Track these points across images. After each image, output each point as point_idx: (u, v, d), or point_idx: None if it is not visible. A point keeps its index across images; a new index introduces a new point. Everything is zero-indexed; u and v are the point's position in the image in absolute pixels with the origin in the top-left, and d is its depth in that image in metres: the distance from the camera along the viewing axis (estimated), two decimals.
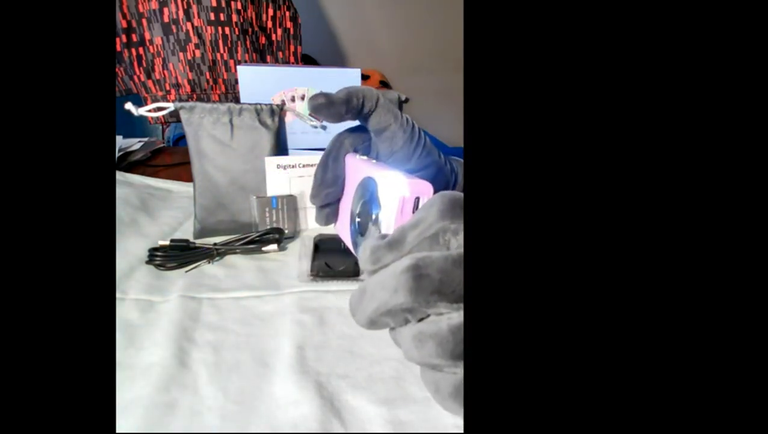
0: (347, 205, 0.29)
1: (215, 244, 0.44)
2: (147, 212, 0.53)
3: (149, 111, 0.44)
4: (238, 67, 0.50)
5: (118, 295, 0.38)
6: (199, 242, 0.45)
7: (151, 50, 0.84)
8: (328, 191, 0.30)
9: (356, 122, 0.31)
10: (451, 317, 0.18)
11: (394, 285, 0.18)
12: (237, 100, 0.51)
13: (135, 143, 0.76)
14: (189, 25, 0.82)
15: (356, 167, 0.29)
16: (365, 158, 0.29)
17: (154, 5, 0.81)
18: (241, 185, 0.48)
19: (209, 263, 0.43)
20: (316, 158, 0.44)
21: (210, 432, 0.27)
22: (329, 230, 0.33)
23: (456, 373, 0.19)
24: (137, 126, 0.97)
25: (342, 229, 0.29)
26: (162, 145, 0.81)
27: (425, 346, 0.18)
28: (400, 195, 0.22)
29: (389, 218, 0.22)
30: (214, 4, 0.83)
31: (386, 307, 0.19)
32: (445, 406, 0.19)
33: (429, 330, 0.18)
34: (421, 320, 0.19)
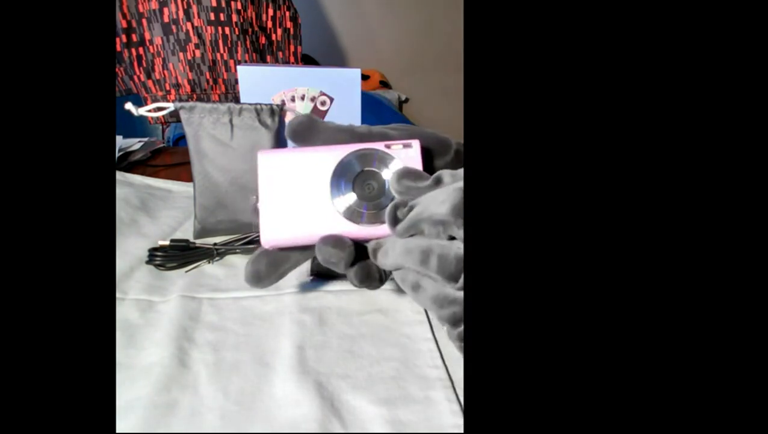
0: (298, 202, 0.27)
1: (215, 244, 0.44)
2: (147, 212, 0.53)
3: (149, 111, 0.44)
4: (238, 67, 0.50)
5: (118, 295, 0.38)
6: (199, 242, 0.45)
7: (151, 50, 0.84)
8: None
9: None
10: (460, 247, 0.22)
11: (443, 199, 0.22)
12: (237, 100, 0.51)
13: (135, 143, 0.75)
14: (189, 25, 0.82)
15: (293, 159, 0.27)
16: (289, 147, 0.28)
17: (154, 5, 0.81)
18: (241, 185, 0.48)
19: (209, 263, 0.43)
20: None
21: (210, 432, 0.27)
22: None
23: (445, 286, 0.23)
24: (137, 126, 0.97)
25: (307, 225, 0.27)
26: (162, 145, 0.81)
27: (430, 261, 0.23)
28: (417, 151, 0.26)
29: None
30: (214, 4, 0.83)
31: (428, 213, 0.22)
32: (425, 305, 0.25)
33: (438, 249, 0.23)
34: (451, 238, 0.23)
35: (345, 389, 0.30)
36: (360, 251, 0.28)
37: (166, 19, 0.82)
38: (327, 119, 0.53)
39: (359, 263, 0.27)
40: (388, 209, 0.24)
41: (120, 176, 0.64)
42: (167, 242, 0.44)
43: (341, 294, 0.39)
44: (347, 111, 0.53)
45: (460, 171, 0.24)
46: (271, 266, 0.28)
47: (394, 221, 0.24)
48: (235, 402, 0.28)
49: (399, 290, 0.40)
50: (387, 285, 0.41)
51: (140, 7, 0.81)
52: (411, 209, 0.24)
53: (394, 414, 0.28)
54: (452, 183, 0.23)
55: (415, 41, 2.11)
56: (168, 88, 0.86)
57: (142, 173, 0.66)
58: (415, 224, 0.23)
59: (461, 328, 0.24)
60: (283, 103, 0.51)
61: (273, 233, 0.27)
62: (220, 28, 0.84)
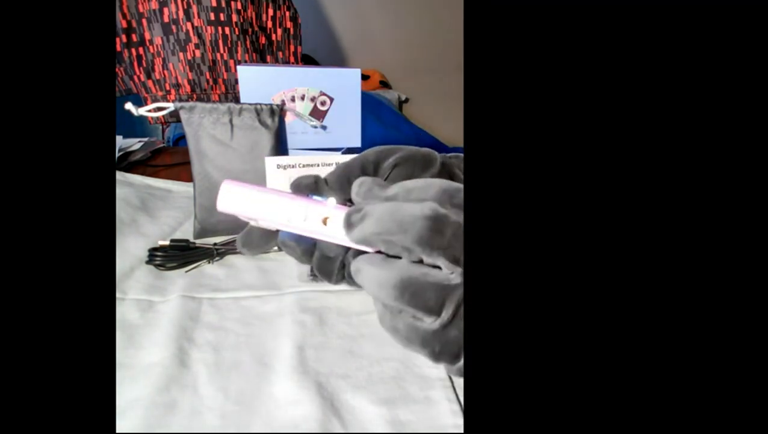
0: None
1: (215, 244, 0.44)
2: (147, 212, 0.53)
3: (149, 111, 0.44)
4: (238, 67, 0.49)
5: (118, 295, 0.38)
6: (199, 242, 0.45)
7: (151, 50, 0.84)
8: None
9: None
10: (436, 275, 0.21)
11: (406, 226, 0.21)
12: (237, 100, 0.51)
13: (135, 143, 0.75)
14: (189, 25, 0.82)
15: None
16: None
17: (154, 5, 0.81)
18: None
19: (209, 263, 0.43)
20: (316, 158, 0.44)
21: (210, 432, 0.27)
22: None
23: (415, 319, 0.22)
24: (137, 126, 0.97)
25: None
26: (162, 145, 0.81)
27: (404, 296, 0.21)
28: None
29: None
30: (214, 4, 0.82)
31: (389, 237, 0.21)
32: (404, 345, 0.23)
33: (411, 285, 0.21)
34: (414, 262, 0.22)
35: (345, 389, 0.30)
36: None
37: (166, 19, 0.82)
38: (327, 119, 0.53)
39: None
40: (345, 215, 0.23)
41: (120, 176, 0.64)
42: (167, 242, 0.44)
43: (341, 294, 0.39)
44: (347, 111, 0.53)
45: (408, 183, 0.24)
46: (264, 235, 0.28)
47: (349, 225, 0.23)
48: (235, 402, 0.28)
49: None
50: None
51: (140, 7, 0.81)
52: (363, 217, 0.22)
53: (394, 414, 0.28)
54: (403, 196, 0.23)
55: (415, 41, 2.11)
56: (168, 88, 0.86)
57: (142, 173, 0.66)
58: (368, 241, 0.22)
59: (460, 363, 0.22)
60: (283, 103, 0.51)
61: (231, 188, 0.26)
62: (220, 28, 0.84)
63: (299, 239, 0.27)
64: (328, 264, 0.27)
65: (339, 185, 0.27)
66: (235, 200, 0.26)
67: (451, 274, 0.21)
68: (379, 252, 0.24)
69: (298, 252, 0.27)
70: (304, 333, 0.34)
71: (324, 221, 0.25)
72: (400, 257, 0.22)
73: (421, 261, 0.22)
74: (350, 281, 0.27)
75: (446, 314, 0.20)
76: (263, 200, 0.25)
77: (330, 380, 0.30)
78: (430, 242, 0.20)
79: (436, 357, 0.22)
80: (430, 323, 0.21)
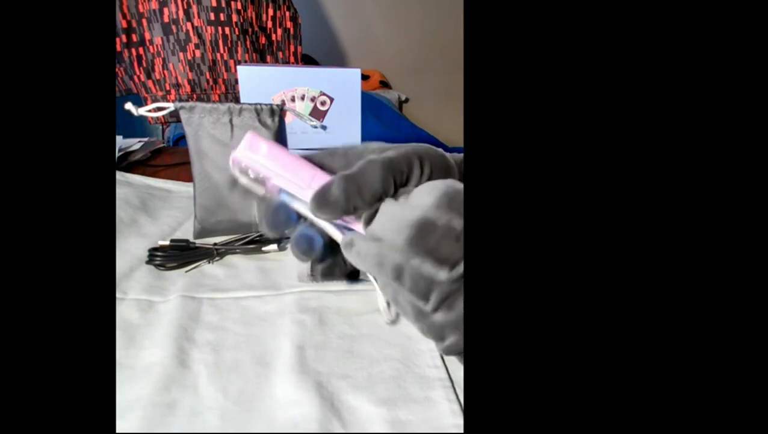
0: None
1: (215, 244, 0.44)
2: (147, 212, 0.53)
3: (149, 111, 0.44)
4: (238, 67, 0.50)
5: (118, 295, 0.38)
6: (199, 242, 0.45)
7: (151, 50, 0.84)
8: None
9: None
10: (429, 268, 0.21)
11: (398, 230, 0.22)
12: (237, 100, 0.52)
13: (135, 143, 0.75)
14: (189, 25, 0.82)
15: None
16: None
17: (154, 5, 0.81)
18: (241, 184, 0.48)
19: (209, 263, 0.43)
20: None
21: (210, 432, 0.27)
22: None
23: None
24: (137, 126, 0.97)
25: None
26: (162, 145, 0.81)
27: (404, 279, 0.22)
28: None
29: None
30: (214, 4, 0.83)
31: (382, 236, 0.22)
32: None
33: (410, 269, 0.21)
34: None
35: (345, 389, 0.30)
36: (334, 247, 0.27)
37: (166, 19, 0.82)
38: (327, 119, 0.53)
39: (329, 259, 0.27)
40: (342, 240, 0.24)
41: (120, 176, 0.64)
42: (167, 242, 0.44)
43: (341, 294, 0.39)
44: (347, 111, 0.53)
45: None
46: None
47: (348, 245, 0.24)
48: (235, 402, 0.28)
49: None
50: None
51: (140, 7, 0.81)
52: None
53: (394, 414, 0.28)
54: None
55: (415, 41, 2.11)
56: (168, 88, 0.86)
57: (142, 173, 0.66)
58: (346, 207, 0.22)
59: (447, 343, 0.23)
60: (283, 103, 0.51)
61: (259, 138, 0.25)
62: (220, 28, 0.84)
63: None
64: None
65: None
66: (260, 149, 0.25)
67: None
68: None
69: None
70: (303, 333, 0.34)
71: None
72: None
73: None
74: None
75: (432, 304, 0.22)
76: (289, 156, 0.25)
77: (330, 380, 0.30)
78: (415, 243, 0.21)
79: (441, 336, 0.23)
80: (426, 306, 0.22)
